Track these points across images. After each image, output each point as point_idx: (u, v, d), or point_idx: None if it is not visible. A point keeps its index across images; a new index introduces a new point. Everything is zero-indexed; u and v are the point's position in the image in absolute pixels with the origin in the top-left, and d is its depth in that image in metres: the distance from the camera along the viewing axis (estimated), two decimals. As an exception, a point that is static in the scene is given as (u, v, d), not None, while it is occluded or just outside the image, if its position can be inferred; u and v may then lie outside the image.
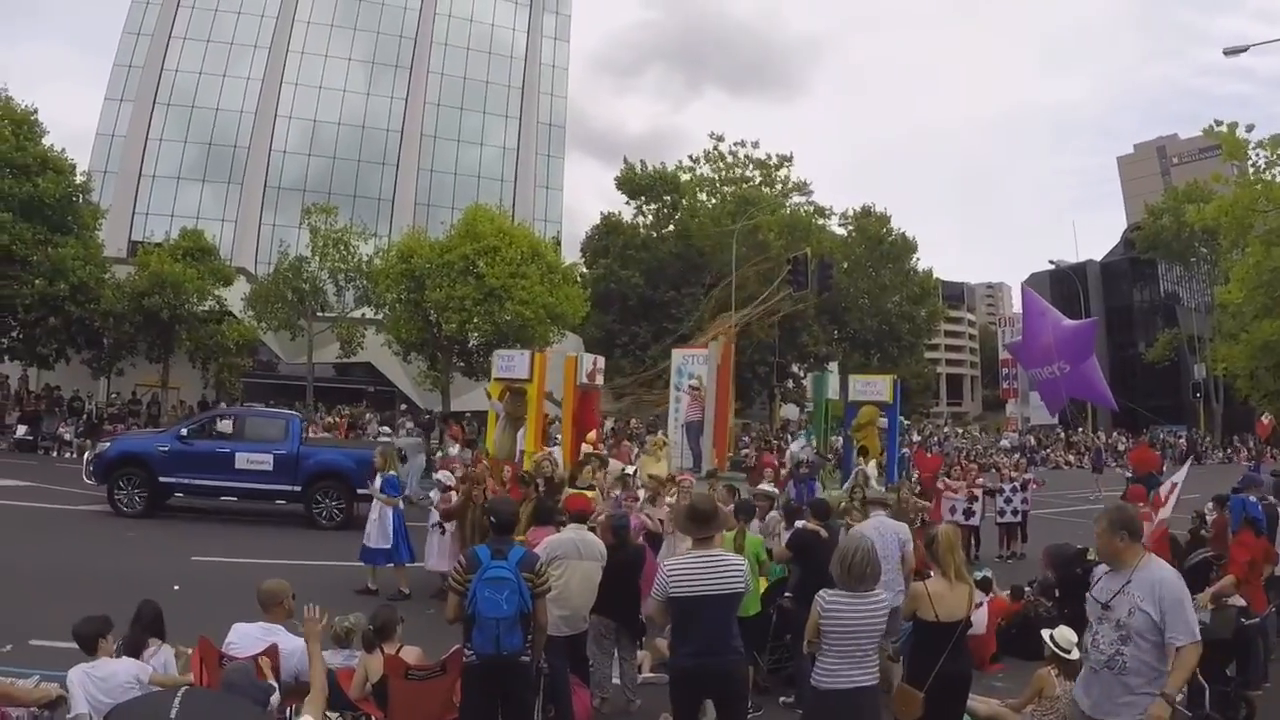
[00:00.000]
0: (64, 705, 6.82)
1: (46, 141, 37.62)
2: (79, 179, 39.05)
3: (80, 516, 20.14)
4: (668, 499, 13.75)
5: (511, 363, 22.09)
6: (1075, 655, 8.22)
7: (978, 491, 20.26)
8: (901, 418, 62.85)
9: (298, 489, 20.86)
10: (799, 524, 10.54)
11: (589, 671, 9.42)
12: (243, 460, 20.74)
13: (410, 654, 7.87)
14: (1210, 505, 14.33)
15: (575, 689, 8.72)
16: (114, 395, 41.86)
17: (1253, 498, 11.83)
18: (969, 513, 19.88)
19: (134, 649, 7.53)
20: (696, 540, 7.02)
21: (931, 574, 7.32)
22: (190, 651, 7.83)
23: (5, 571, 14.06)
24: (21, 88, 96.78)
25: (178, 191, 62.14)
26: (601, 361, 23.96)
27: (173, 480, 20.66)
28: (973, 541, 19.59)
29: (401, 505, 14.93)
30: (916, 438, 53.88)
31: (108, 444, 21.93)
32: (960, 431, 65.77)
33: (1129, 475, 22.52)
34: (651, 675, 10.10)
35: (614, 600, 9.06)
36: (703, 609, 6.70)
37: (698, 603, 6.68)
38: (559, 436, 23.23)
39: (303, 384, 45.06)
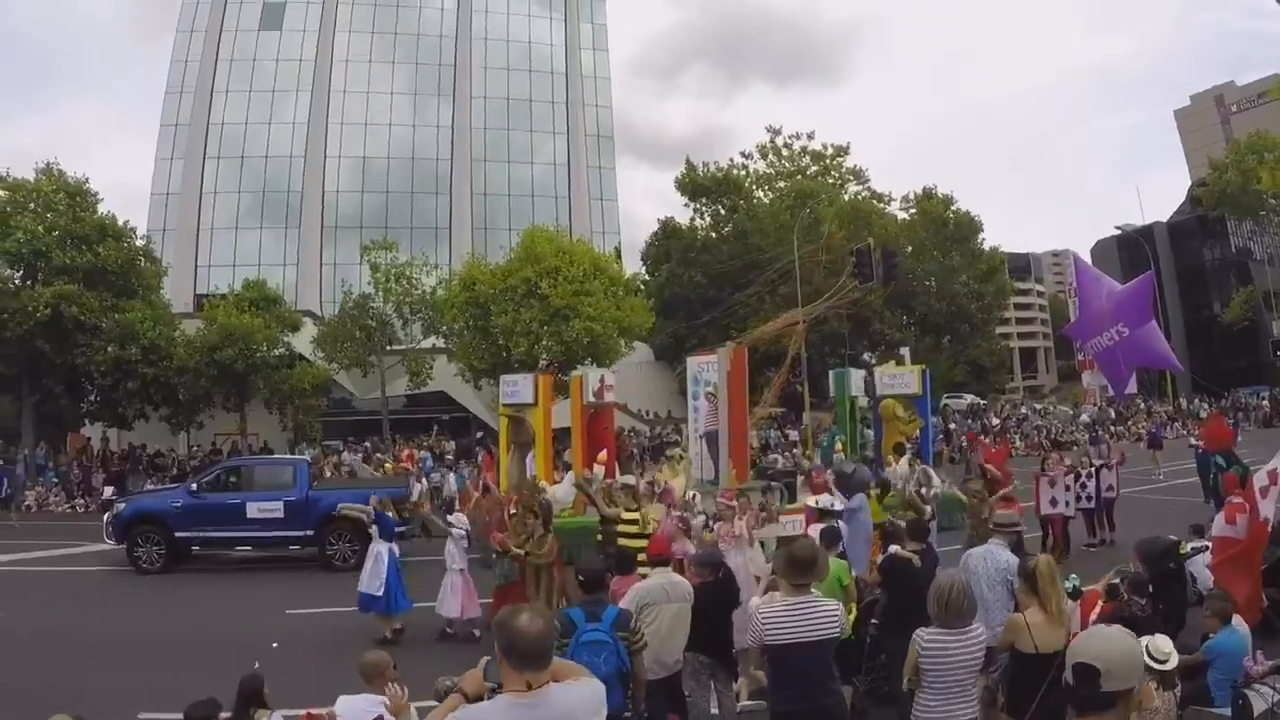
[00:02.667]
0: None
1: (102, 208, 38.30)
2: (139, 242, 39.59)
3: (167, 580, 20.07)
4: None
5: (516, 388, 22.02)
6: (1172, 664, 8.03)
7: (1070, 480, 18.94)
8: (953, 401, 62.80)
9: (310, 533, 20.86)
10: (891, 548, 10.18)
11: (686, 707, 9.14)
12: (254, 510, 20.81)
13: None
14: None
15: None
16: (195, 448, 42.22)
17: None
18: (1066, 502, 18.72)
19: None
20: (793, 586, 6.84)
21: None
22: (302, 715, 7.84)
23: (107, 640, 14.18)
24: (70, 156, 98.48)
25: (237, 241, 62.73)
26: (611, 378, 23.06)
27: (188, 535, 20.76)
28: (1064, 532, 18.71)
29: (395, 548, 14.55)
30: (995, 420, 53.28)
31: (123, 504, 21.90)
32: (1038, 408, 64.50)
33: (1198, 450, 21.59)
34: (750, 704, 9.88)
35: (706, 636, 8.81)
36: (799, 655, 6.57)
37: (793, 649, 6.55)
38: (568, 459, 22.63)
39: (378, 418, 45.33)
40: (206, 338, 38.19)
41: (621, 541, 13.53)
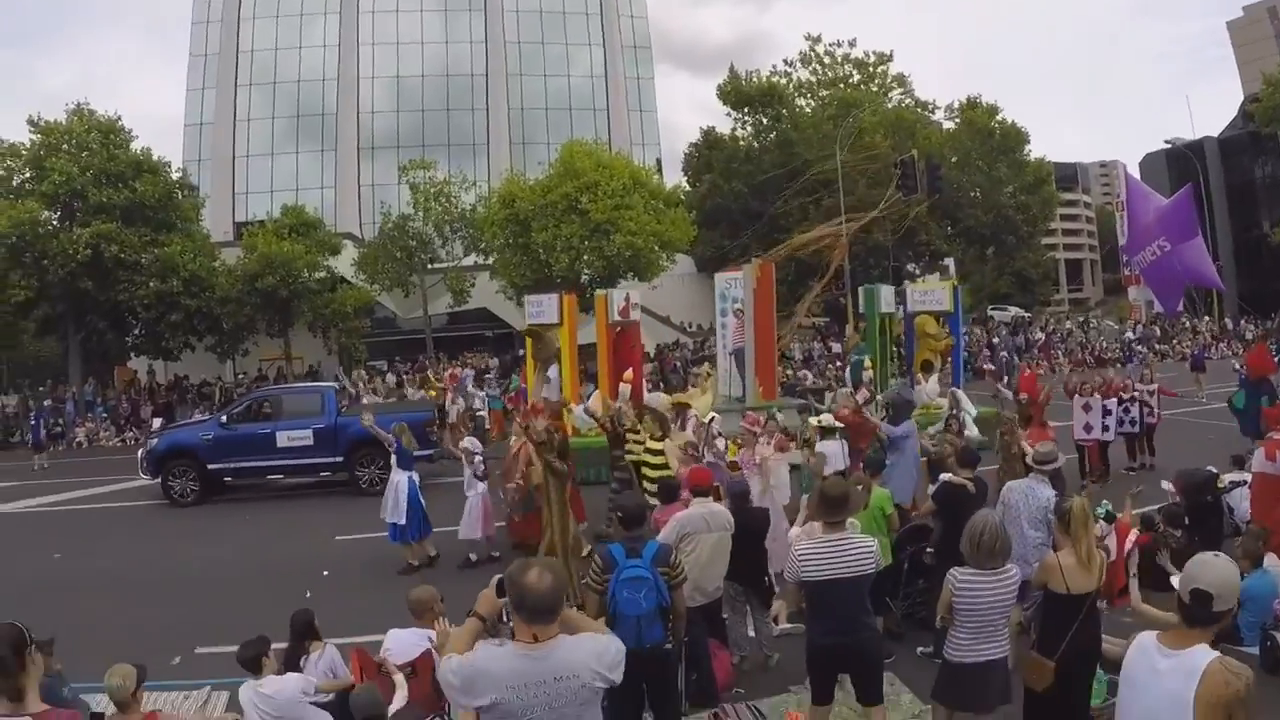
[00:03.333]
0: None
1: (136, 145, 38.15)
2: (175, 175, 39.55)
3: (210, 512, 20.23)
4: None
5: (541, 308, 22.12)
6: None
7: (1111, 404, 18.09)
8: (999, 312, 62.03)
9: (339, 459, 21.00)
10: (944, 476, 10.07)
11: (726, 632, 9.35)
12: (283, 438, 20.99)
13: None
14: None
15: (715, 651, 8.79)
16: (241, 375, 42.52)
17: None
18: (1103, 427, 17.94)
19: (293, 661, 7.94)
20: (827, 524, 6.95)
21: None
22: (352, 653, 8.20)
23: (159, 576, 14.38)
24: (100, 95, 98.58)
25: (273, 167, 62.62)
26: (636, 295, 23.17)
27: (220, 466, 20.98)
28: (1104, 457, 18.21)
29: (415, 476, 14.33)
30: (1039, 334, 52.64)
31: (156, 439, 22.10)
32: (1083, 321, 63.52)
33: (1242, 376, 21.00)
34: (789, 626, 9.83)
35: (739, 565, 8.94)
36: (834, 590, 6.74)
37: (829, 585, 6.72)
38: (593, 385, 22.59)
39: (421, 337, 45.52)
40: (247, 266, 38.32)
41: (647, 472, 13.51)
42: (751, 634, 9.66)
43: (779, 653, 9.49)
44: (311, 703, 7.43)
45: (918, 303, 24.79)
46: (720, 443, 13.54)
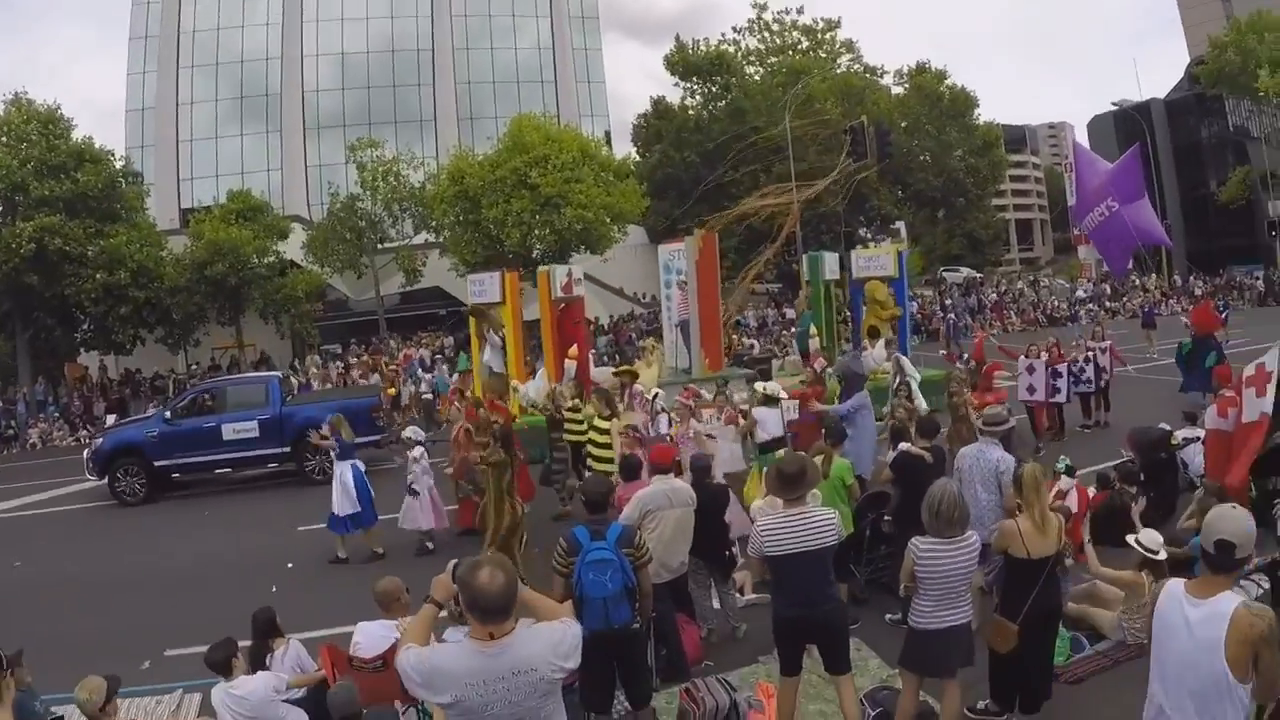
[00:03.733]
0: None
1: (77, 134, 37.51)
2: (118, 163, 38.95)
3: (168, 509, 20.07)
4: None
5: (483, 286, 22.01)
6: (1163, 555, 8.84)
7: (1061, 368, 18.00)
8: (975, 268, 62.40)
9: (286, 449, 20.90)
10: (902, 446, 10.26)
11: (693, 605, 9.52)
12: (229, 431, 20.86)
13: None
14: None
15: (683, 625, 8.98)
16: (194, 366, 42.08)
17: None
18: (1054, 389, 17.95)
19: (258, 659, 7.96)
20: (787, 500, 7.05)
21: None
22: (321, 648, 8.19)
23: (124, 578, 14.25)
24: (40, 84, 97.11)
25: (218, 150, 61.73)
26: (579, 271, 22.96)
27: (167, 463, 20.80)
28: (1059, 417, 18.43)
29: (360, 464, 14.28)
30: (992, 294, 53.15)
31: (101, 438, 21.87)
32: (1033, 280, 64.15)
33: (1190, 335, 21.28)
34: (754, 596, 10.20)
35: (700, 539, 9.08)
36: (797, 564, 6.86)
37: (792, 559, 6.84)
38: (539, 365, 22.45)
39: (375, 318, 45.33)
40: (195, 254, 37.88)
41: (592, 451, 13.70)
42: (716, 605, 9.80)
43: (746, 623, 9.71)
44: (284, 700, 7.47)
45: (863, 269, 24.90)
46: (664, 419, 13.65)
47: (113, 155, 38.83)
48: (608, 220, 39.99)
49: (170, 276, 37.30)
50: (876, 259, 25.18)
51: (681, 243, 23.26)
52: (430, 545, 13.90)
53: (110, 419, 30.11)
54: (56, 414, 35.53)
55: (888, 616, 9.46)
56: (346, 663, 7.75)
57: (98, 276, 35.31)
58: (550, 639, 4.26)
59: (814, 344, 22.93)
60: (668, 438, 12.69)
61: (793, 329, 34.02)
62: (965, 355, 21.32)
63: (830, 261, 25.94)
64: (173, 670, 9.76)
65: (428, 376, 29.59)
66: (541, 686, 4.17)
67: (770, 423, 13.05)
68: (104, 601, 12.96)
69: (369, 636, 7.81)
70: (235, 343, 42.09)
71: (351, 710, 6.69)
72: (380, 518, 14.22)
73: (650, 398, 14.11)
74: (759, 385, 14.22)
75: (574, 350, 19.95)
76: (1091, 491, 11.69)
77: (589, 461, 13.83)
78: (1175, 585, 4.78)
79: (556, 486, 15.49)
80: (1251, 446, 11.14)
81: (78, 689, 6.58)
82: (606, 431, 13.29)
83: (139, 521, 18.99)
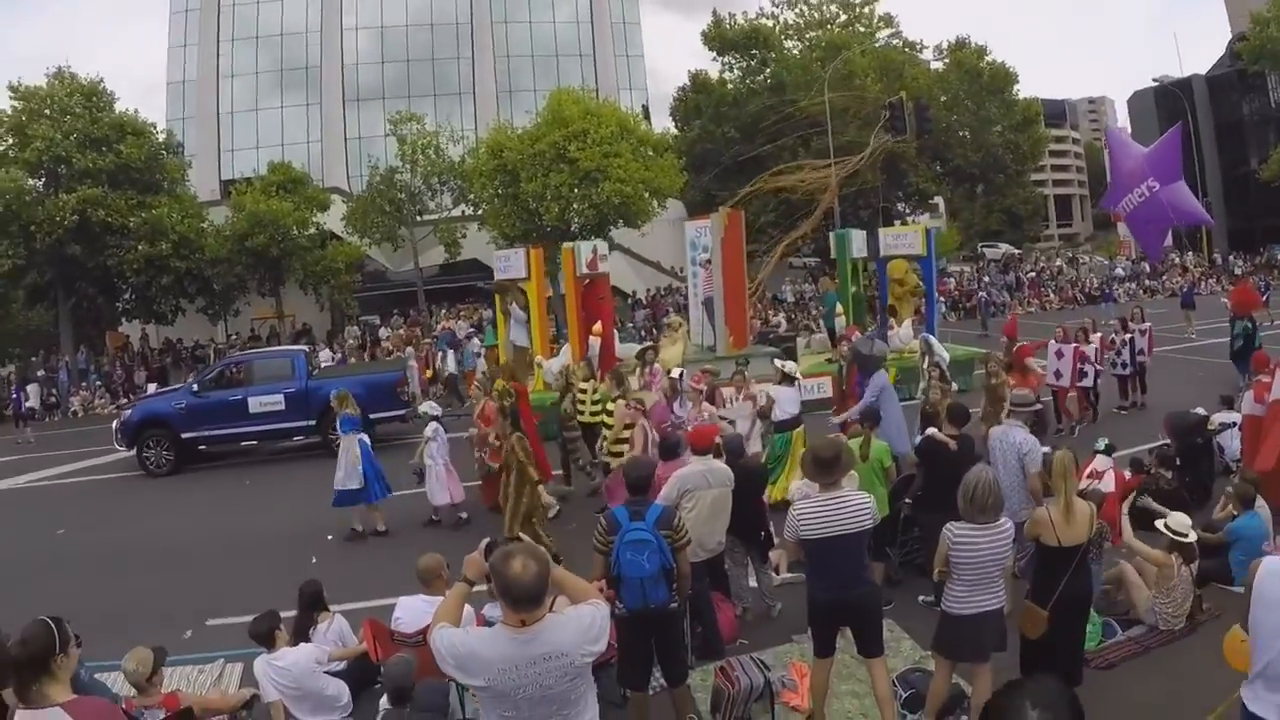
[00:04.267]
0: (256, 701, 7.38)
1: (119, 107, 37.90)
2: (160, 135, 39.32)
3: (212, 479, 20.33)
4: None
5: (509, 263, 22.19)
6: (1192, 538, 8.96)
7: (1089, 349, 17.65)
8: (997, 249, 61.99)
9: (312, 423, 21.08)
10: (929, 431, 10.23)
11: (729, 584, 9.62)
12: (255, 404, 21.09)
13: None
14: None
15: (718, 604, 9.08)
16: (233, 335, 42.44)
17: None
18: (1081, 373, 17.61)
19: (303, 632, 8.07)
20: (823, 485, 7.09)
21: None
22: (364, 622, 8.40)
23: (164, 547, 14.38)
24: (81, 57, 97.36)
25: (259, 122, 61.88)
26: (604, 247, 23.08)
27: (194, 434, 21.07)
28: (1092, 399, 18.03)
29: (367, 439, 14.30)
30: (1030, 271, 52.74)
31: (130, 410, 22.11)
32: (1073, 257, 63.69)
33: (1231, 317, 21.02)
34: (790, 575, 10.05)
35: (736, 519, 9.10)
36: (833, 547, 6.90)
37: (828, 543, 6.87)
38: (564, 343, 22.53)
39: (414, 289, 45.52)
40: (236, 226, 38.24)
41: (609, 434, 13.56)
42: (753, 584, 9.88)
43: (780, 602, 9.70)
44: (325, 672, 7.60)
45: (890, 247, 24.76)
46: (684, 398, 13.52)
47: (154, 128, 39.26)
48: (646, 195, 39.91)
49: (211, 247, 37.71)
50: (904, 237, 24.96)
51: (705, 220, 23.09)
52: (436, 517, 14.18)
53: (151, 387, 30.41)
54: (99, 382, 35.96)
55: (921, 598, 9.48)
56: (389, 637, 7.86)
57: (140, 247, 35.75)
58: (580, 624, 4.33)
59: (840, 322, 22.93)
60: (683, 419, 12.74)
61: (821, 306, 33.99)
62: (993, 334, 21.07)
63: (858, 240, 25.78)
64: (214, 640, 9.84)
65: (454, 353, 29.51)
66: (572, 670, 4.24)
67: (787, 401, 13.17)
68: (146, 570, 13.12)
69: (410, 611, 7.85)
70: (275, 313, 42.43)
71: (406, 683, 6.79)
72: (395, 493, 14.36)
73: (674, 376, 14.04)
74: (778, 363, 14.30)
75: (598, 327, 20.11)
76: (1127, 475, 11.70)
77: (603, 444, 13.78)
78: (1273, 561, 4.74)
79: (579, 463, 15.52)
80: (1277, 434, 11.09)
81: (126, 659, 6.73)
82: (639, 401, 13.14)
83: (179, 491, 19.23)
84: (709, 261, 22.34)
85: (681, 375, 14.20)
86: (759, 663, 7.88)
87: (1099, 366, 17.87)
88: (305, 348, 25.74)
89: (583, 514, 13.62)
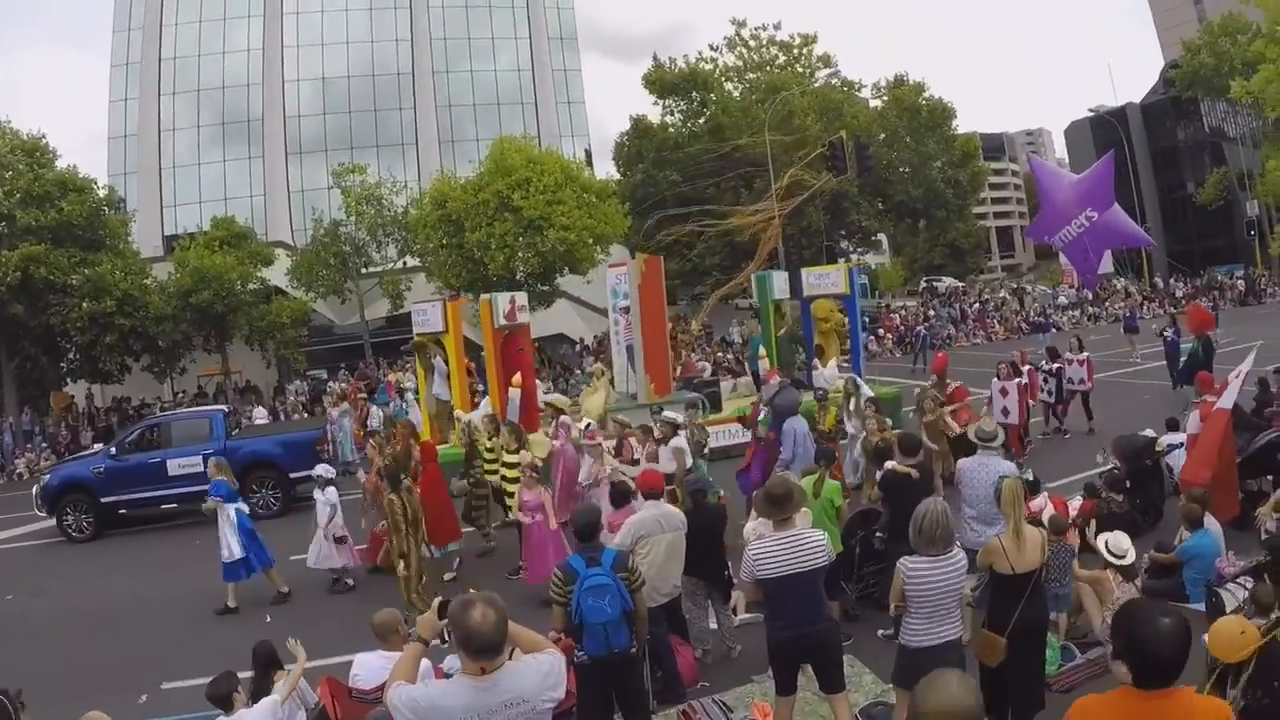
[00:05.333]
0: None
1: (60, 163, 37.50)
2: (101, 192, 38.96)
3: (155, 539, 20.10)
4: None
5: (426, 316, 21.82)
6: (1129, 560, 9.18)
7: (1010, 385, 17.73)
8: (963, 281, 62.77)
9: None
10: (888, 465, 10.39)
11: (687, 627, 9.69)
12: (174, 466, 20.60)
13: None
14: (1274, 372, 13.66)
15: (677, 647, 9.13)
16: (180, 394, 42.08)
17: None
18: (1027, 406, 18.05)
19: (260, 692, 7.86)
20: (776, 522, 7.20)
21: None
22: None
23: (117, 611, 14.17)
24: (22, 111, 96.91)
25: (201, 177, 61.36)
26: (523, 298, 22.73)
27: (114, 499, 20.59)
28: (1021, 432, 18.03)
29: (244, 507, 14.03)
30: (975, 303, 53.49)
31: (49, 475, 21.70)
32: (1016, 288, 64.66)
33: (1167, 338, 21.62)
34: (748, 616, 10.19)
35: (696, 559, 9.24)
36: (789, 586, 6.97)
37: (784, 581, 6.95)
38: (483, 388, 22.39)
39: (360, 342, 45.34)
40: (180, 282, 37.84)
41: (509, 488, 13.57)
42: (713, 626, 9.93)
43: (740, 644, 9.72)
44: None
45: (813, 286, 24.60)
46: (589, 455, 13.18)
47: (96, 184, 38.84)
48: (590, 241, 40.09)
49: (155, 304, 37.31)
50: (826, 276, 24.83)
51: (624, 266, 23.11)
52: (350, 582, 13.84)
53: (97, 447, 30.06)
54: (44, 444, 35.43)
55: (880, 632, 9.54)
56: (347, 695, 7.81)
57: (84, 305, 35.28)
58: (540, 669, 4.36)
59: (764, 365, 22.81)
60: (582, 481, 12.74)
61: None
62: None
63: (779, 281, 25.60)
64: (170, 704, 9.71)
65: (376, 410, 28.63)
66: (534, 716, 4.27)
67: (663, 458, 12.92)
68: (98, 635, 12.93)
69: (367, 668, 7.85)
70: (221, 369, 42.08)
71: None
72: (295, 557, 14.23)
73: (582, 427, 13.98)
74: (665, 414, 14.10)
75: (518, 378, 19.82)
76: (1078, 500, 11.90)
77: (505, 499, 13.77)
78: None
79: (479, 523, 15.08)
80: (1211, 438, 11.24)
81: None
82: (516, 465, 13.07)
83: (126, 552, 18.94)
84: (626, 308, 22.34)
85: (589, 426, 14.24)
86: (721, 705, 7.97)
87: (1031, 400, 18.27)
88: (224, 408, 25.16)
89: (473, 572, 13.69)
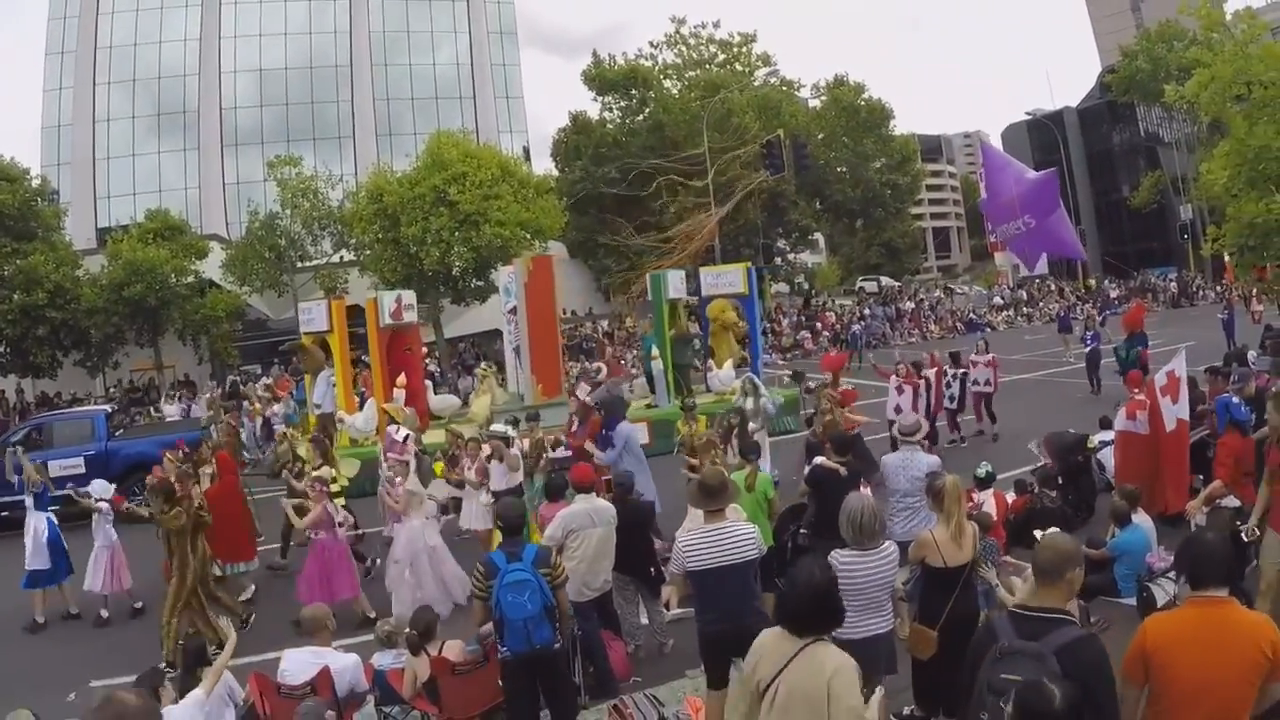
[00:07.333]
0: None
1: (-8, 153, 36.94)
2: (34, 182, 38.43)
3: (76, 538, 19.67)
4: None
5: (312, 315, 21.53)
6: None
7: (917, 383, 18.09)
8: (884, 287, 63.30)
9: (113, 486, 20.33)
10: (817, 460, 10.46)
11: (619, 623, 9.74)
12: (55, 467, 19.42)
13: (452, 649, 8.21)
14: (1204, 374, 14.02)
15: (609, 642, 9.16)
16: (112, 389, 41.54)
17: (1235, 399, 11.40)
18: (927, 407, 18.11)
19: (189, 688, 7.75)
20: (708, 513, 7.27)
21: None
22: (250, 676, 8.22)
23: (23, 616, 13.58)
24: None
25: (135, 168, 60.64)
26: (410, 297, 22.54)
27: None
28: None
29: (53, 517, 13.49)
30: (909, 303, 54.15)
31: None
32: (952, 288, 65.64)
33: (1087, 342, 22.13)
34: (680, 611, 9.77)
35: (626, 556, 9.36)
36: (719, 578, 7.03)
37: (714, 574, 7.02)
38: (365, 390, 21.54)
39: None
40: (113, 275, 37.40)
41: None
42: (644, 621, 9.96)
43: (672, 638, 9.77)
44: None
45: (711, 286, 24.74)
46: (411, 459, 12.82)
47: (29, 174, 38.35)
48: (527, 237, 40.02)
49: (88, 297, 36.86)
50: (725, 275, 24.98)
51: (513, 266, 22.89)
52: (105, 613, 13.01)
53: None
54: (-28, 439, 34.88)
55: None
56: (275, 690, 7.83)
57: (14, 297, 34.83)
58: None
59: (657, 366, 22.42)
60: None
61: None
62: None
63: (674, 280, 24.64)
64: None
65: (278, 405, 26.96)
66: None
67: (497, 473, 12.78)
68: (21, 636, 12.69)
69: (296, 664, 7.90)
70: (154, 364, 41.64)
71: None
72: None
73: (400, 439, 13.73)
74: (498, 426, 14.00)
75: (402, 379, 19.68)
76: (1010, 497, 12.17)
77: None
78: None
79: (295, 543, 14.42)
80: (1180, 458, 11.51)
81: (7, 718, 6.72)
82: (319, 480, 12.21)
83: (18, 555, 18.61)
84: (513, 310, 22.27)
85: (408, 438, 13.91)
86: (653, 699, 8.01)
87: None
88: (107, 408, 24.51)
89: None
